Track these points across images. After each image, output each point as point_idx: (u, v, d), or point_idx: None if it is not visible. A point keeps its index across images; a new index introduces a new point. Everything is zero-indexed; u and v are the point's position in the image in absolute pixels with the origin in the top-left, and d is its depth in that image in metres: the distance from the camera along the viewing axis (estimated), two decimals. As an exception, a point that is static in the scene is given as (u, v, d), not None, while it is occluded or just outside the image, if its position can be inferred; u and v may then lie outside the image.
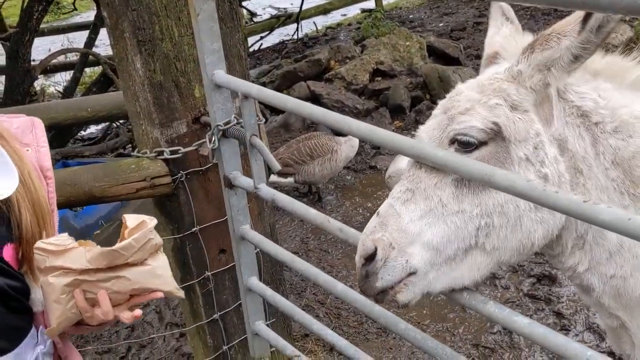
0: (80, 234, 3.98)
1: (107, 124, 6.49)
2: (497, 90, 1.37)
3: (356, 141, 4.79)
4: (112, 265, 1.37)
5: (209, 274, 2.55)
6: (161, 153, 2.28)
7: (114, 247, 1.36)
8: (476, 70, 5.84)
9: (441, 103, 1.47)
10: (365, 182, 5.15)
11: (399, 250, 1.37)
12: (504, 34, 1.54)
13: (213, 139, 2.20)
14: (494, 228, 1.35)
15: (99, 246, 1.38)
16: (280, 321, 2.93)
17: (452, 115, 1.39)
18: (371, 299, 1.48)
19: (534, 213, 1.34)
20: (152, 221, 1.47)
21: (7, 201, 1.33)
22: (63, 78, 9.97)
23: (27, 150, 1.42)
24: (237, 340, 2.73)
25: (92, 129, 7.70)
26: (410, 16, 11.16)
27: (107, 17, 2.13)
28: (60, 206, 2.42)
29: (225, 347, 2.69)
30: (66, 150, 5.17)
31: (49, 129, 4.50)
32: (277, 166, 2.18)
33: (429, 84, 6.20)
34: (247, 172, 2.31)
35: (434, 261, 1.38)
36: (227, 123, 2.20)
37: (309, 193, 5.08)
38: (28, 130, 1.43)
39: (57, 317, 1.36)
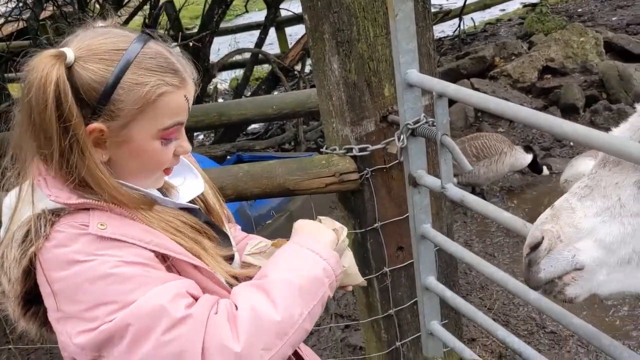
0: (254, 223, 4.25)
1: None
2: None
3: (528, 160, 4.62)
4: None
5: (387, 269, 2.59)
6: (350, 150, 2.36)
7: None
8: (663, 67, 5.32)
9: (638, 107, 1.40)
10: (534, 185, 4.92)
11: (567, 244, 1.33)
12: None
13: (402, 137, 2.22)
14: None
15: None
16: (451, 323, 2.90)
17: None
18: (538, 290, 1.43)
19: None
20: (343, 230, 1.57)
21: (203, 194, 1.56)
22: (229, 76, 10.70)
23: None
24: (410, 338, 2.74)
25: (255, 125, 8.19)
26: (579, 10, 10.43)
27: (308, 19, 2.24)
28: (256, 197, 2.61)
29: (398, 343, 2.72)
30: (239, 144, 5.54)
31: (230, 125, 4.84)
32: (468, 166, 2.14)
33: (606, 82, 5.76)
34: (429, 171, 2.31)
35: (604, 261, 1.32)
36: (417, 122, 2.21)
37: (472, 194, 4.96)
38: None
39: None
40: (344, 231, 1.58)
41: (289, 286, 1.29)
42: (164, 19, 7.22)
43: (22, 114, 1.24)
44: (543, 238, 1.36)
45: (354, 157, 2.39)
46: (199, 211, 1.50)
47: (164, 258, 1.29)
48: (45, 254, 1.21)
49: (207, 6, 6.14)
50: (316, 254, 1.38)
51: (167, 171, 1.39)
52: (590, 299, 3.47)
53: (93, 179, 1.25)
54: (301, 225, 1.49)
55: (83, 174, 1.23)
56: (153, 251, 1.26)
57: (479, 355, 3.31)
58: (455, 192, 2.18)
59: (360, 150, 2.36)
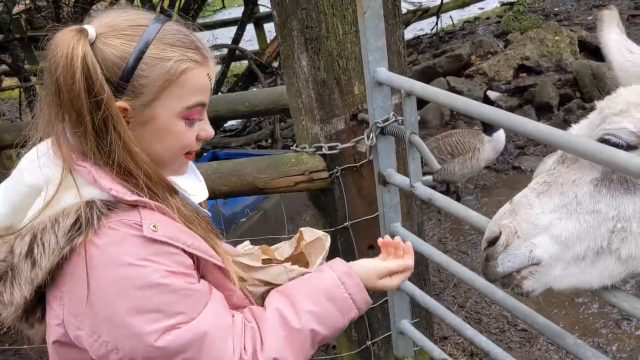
0: (228, 221, 4.21)
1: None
2: None
3: (502, 141, 4.60)
4: None
5: (358, 269, 2.58)
6: (320, 148, 2.34)
7: (312, 270, 1.54)
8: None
9: (598, 104, 1.43)
10: (508, 183, 4.95)
11: (524, 240, 1.36)
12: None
13: (371, 135, 2.21)
14: (632, 234, 1.28)
15: (295, 266, 1.56)
16: (422, 322, 2.90)
17: (605, 115, 1.36)
18: (496, 284, 1.45)
19: None
20: (327, 238, 1.64)
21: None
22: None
23: None
24: (380, 337, 2.73)
25: (233, 122, 8.13)
26: (556, 9, 10.54)
27: (277, 15, 2.21)
28: (225, 195, 2.58)
29: (369, 342, 2.71)
30: (215, 141, 5.49)
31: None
32: (436, 165, 2.14)
33: (579, 81, 5.81)
34: (399, 169, 2.31)
35: (560, 256, 1.34)
36: (386, 120, 2.20)
37: (447, 192, 4.97)
38: None
39: None
40: (328, 239, 1.63)
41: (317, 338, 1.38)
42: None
43: (50, 95, 1.21)
44: (500, 233, 1.38)
45: (324, 156, 2.37)
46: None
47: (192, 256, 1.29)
48: (94, 250, 1.17)
49: (183, 1, 6.07)
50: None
51: (189, 156, 1.37)
52: (562, 297, 3.48)
53: (131, 157, 1.22)
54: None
55: (121, 153, 1.21)
56: (190, 254, 1.26)
57: (451, 354, 3.33)
58: (423, 190, 2.18)
59: (330, 148, 2.34)
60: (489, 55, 6.57)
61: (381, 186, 2.32)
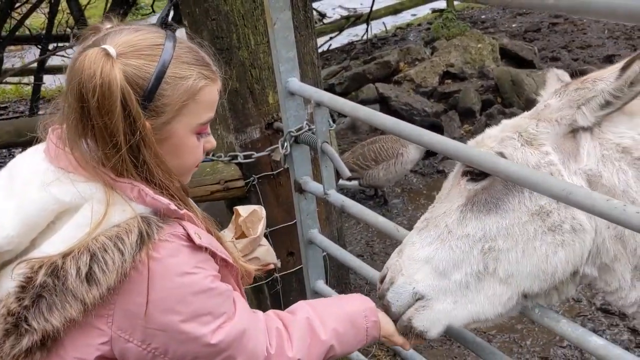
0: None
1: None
2: (514, 126, 1.43)
3: None
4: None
5: (278, 275, 2.61)
6: (235, 157, 2.36)
7: (257, 236, 1.72)
8: (551, 73, 5.64)
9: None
10: (432, 186, 5.10)
11: (408, 277, 1.44)
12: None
13: (285, 144, 2.25)
14: (501, 251, 1.36)
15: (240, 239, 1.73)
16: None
17: (477, 141, 1.49)
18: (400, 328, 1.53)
19: (550, 236, 1.34)
20: (262, 209, 1.80)
21: None
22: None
23: None
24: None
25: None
26: (483, 16, 10.91)
27: (187, 25, 2.22)
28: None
29: None
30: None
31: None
32: (347, 173, 2.20)
33: (500, 87, 6.06)
34: (317, 177, 2.36)
35: (442, 287, 1.41)
36: (299, 129, 2.25)
37: (375, 196, 5.07)
38: None
39: None
40: (262, 209, 1.78)
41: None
42: (63, 17, 6.93)
43: (75, 115, 1.20)
44: (388, 271, 1.47)
45: (240, 165, 2.39)
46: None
47: None
48: (153, 263, 1.20)
49: (108, 5, 5.94)
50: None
51: (197, 166, 1.44)
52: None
53: (163, 172, 1.26)
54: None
55: (157, 169, 1.24)
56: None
57: (375, 355, 3.41)
58: (336, 197, 2.23)
59: (245, 157, 2.37)
60: (417, 62, 6.75)
61: (297, 194, 2.37)
